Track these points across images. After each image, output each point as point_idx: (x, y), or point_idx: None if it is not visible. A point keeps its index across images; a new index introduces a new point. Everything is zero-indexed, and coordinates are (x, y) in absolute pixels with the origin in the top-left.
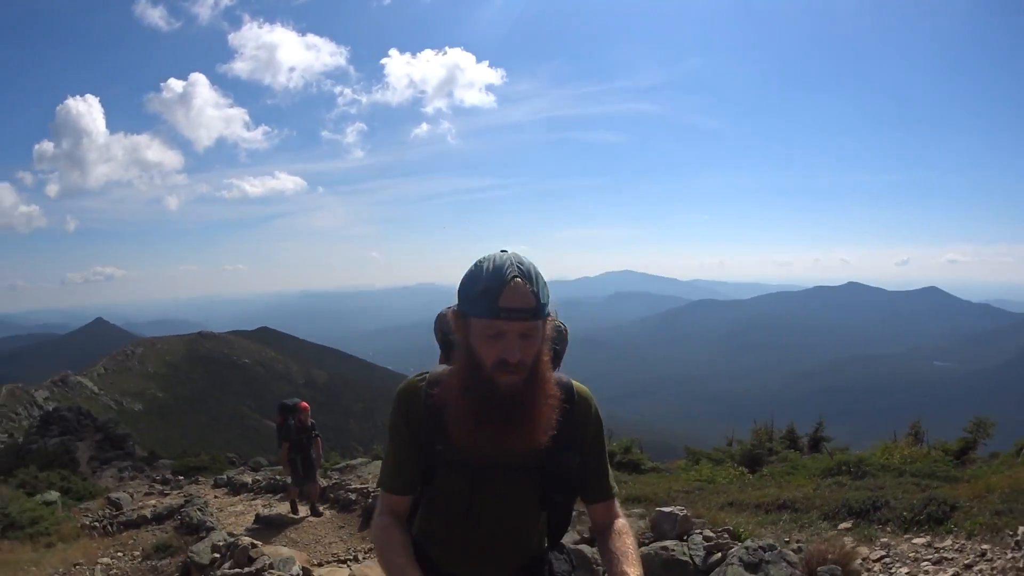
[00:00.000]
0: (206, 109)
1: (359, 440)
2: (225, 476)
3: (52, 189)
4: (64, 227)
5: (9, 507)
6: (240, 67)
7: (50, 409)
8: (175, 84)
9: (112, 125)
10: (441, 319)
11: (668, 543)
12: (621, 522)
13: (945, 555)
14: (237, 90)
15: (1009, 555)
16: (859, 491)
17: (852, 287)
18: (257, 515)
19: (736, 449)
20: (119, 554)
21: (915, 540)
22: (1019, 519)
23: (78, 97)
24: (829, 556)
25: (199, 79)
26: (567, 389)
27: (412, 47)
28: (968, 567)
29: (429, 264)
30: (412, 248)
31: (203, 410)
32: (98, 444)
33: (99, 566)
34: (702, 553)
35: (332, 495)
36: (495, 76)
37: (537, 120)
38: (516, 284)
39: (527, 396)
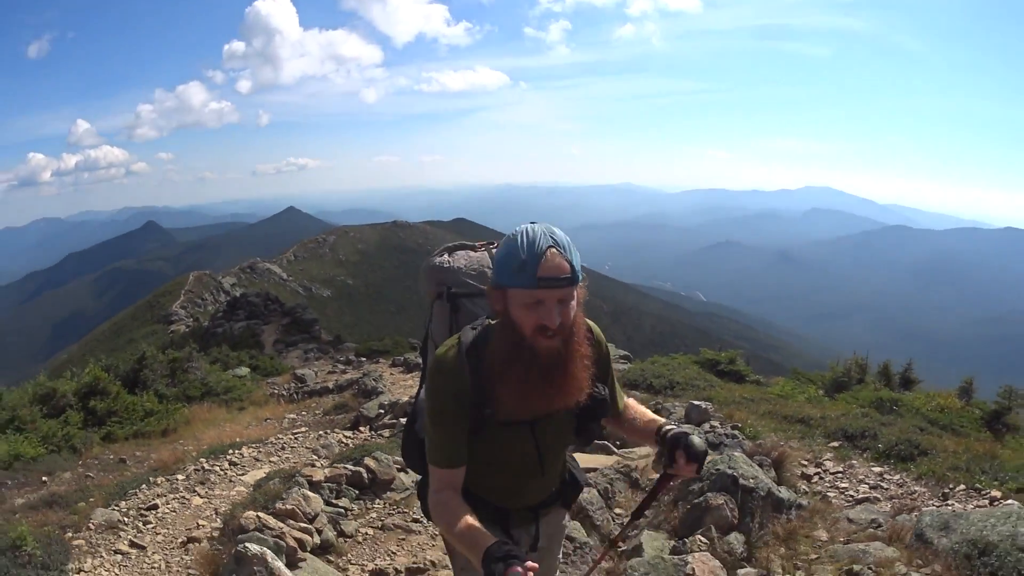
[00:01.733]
0: (404, 5)
1: None
2: (403, 357)
3: (244, 86)
4: (256, 121)
5: (208, 378)
6: None
7: (237, 295)
8: None
9: (305, 22)
10: (439, 270)
11: (683, 426)
12: (631, 402)
13: (880, 483)
14: None
15: (913, 491)
16: (865, 421)
17: None
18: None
19: (828, 375)
20: (303, 413)
21: (875, 468)
22: (973, 479)
23: None
24: (773, 453)
25: None
26: (589, 331)
27: None
28: (873, 488)
29: (628, 164)
30: (612, 147)
31: (392, 298)
32: (284, 328)
33: (285, 419)
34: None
35: None
36: None
37: (742, 28)
38: (552, 254)
39: (566, 358)
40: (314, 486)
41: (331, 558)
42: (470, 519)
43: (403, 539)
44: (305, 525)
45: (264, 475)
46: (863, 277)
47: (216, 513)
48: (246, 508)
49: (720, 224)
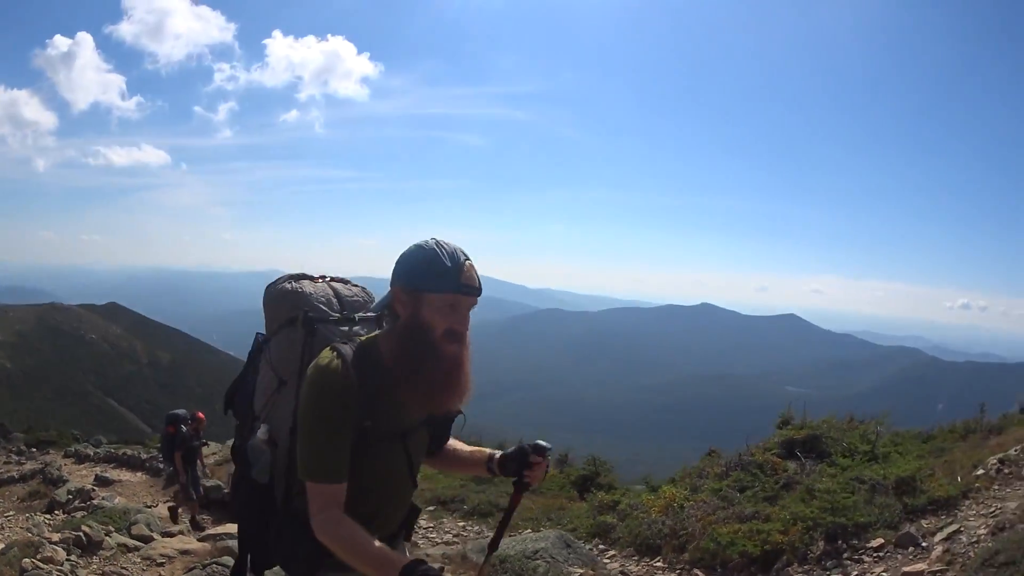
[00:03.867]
0: (87, 71)
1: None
2: (72, 448)
3: None
4: None
5: None
6: (127, 29)
7: None
8: (61, 42)
9: None
10: (294, 295)
11: None
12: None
13: (462, 533)
14: (120, 55)
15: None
16: (461, 489)
17: (706, 308)
18: (96, 475)
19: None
20: (2, 499)
21: (460, 523)
22: (538, 524)
23: None
24: None
25: (86, 39)
26: None
27: (297, 30)
28: (455, 537)
29: (281, 251)
30: (266, 234)
31: (49, 384)
32: None
33: None
34: None
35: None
36: (373, 69)
37: (404, 116)
38: (469, 266)
39: (463, 361)
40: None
41: None
42: (371, 540)
43: None
44: (59, 569)
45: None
46: (518, 357)
47: None
48: (10, 565)
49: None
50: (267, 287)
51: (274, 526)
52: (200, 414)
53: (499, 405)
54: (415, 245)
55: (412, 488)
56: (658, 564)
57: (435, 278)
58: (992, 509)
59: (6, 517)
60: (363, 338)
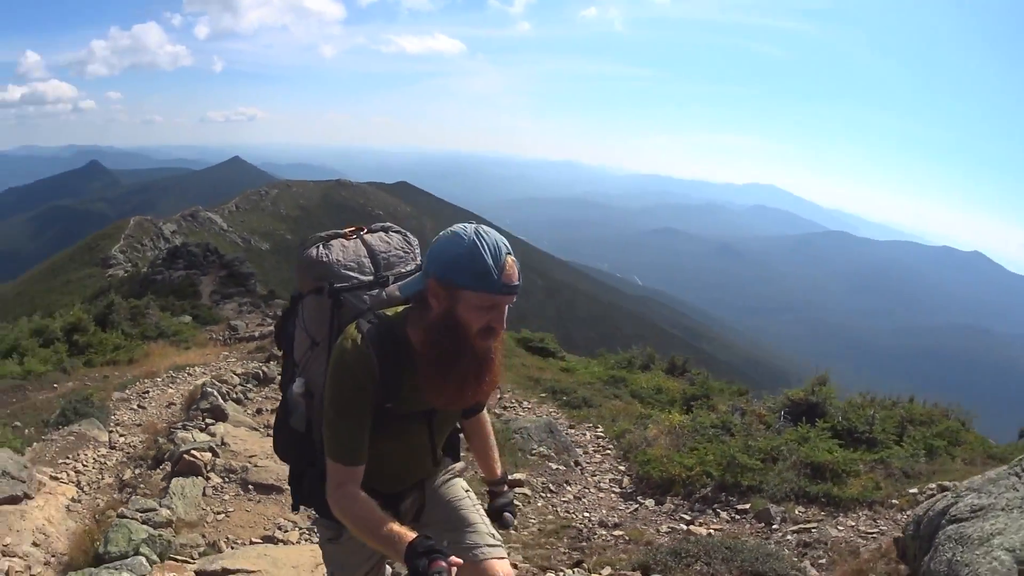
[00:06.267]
0: None
1: None
2: None
3: (201, 31)
4: (210, 67)
5: (161, 322)
6: None
7: (177, 243)
8: None
9: None
10: (317, 265)
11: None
12: (484, 414)
13: (566, 429)
14: None
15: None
16: (579, 387)
17: (977, 257)
18: None
19: (620, 357)
20: (233, 352)
21: (550, 408)
22: (603, 421)
23: None
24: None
25: None
26: None
27: None
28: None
29: (576, 143)
30: (562, 125)
31: None
32: (221, 280)
33: (220, 356)
34: None
35: None
36: None
37: (703, 20)
38: (511, 262)
39: (495, 356)
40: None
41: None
42: (384, 515)
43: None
44: (230, 388)
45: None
46: (799, 276)
47: (182, 395)
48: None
49: (662, 210)
50: (299, 248)
51: (308, 475)
52: None
53: (771, 323)
54: (452, 232)
55: (432, 462)
56: (621, 467)
57: (475, 277)
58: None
59: (227, 362)
60: (390, 313)
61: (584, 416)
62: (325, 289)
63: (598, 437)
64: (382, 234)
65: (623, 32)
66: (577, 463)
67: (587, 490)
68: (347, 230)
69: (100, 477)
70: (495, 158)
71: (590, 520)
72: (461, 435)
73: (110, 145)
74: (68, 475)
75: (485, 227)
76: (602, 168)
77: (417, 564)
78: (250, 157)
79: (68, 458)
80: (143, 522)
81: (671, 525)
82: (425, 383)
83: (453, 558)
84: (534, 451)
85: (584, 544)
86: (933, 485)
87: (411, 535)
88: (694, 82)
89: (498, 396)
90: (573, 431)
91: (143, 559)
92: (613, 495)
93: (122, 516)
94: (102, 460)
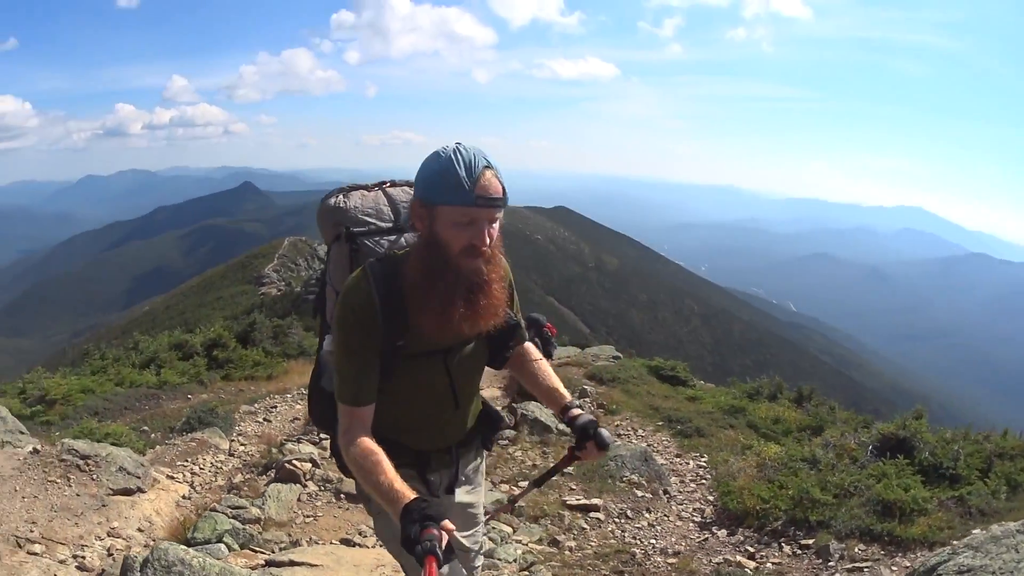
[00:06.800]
0: None
1: (639, 330)
2: None
3: (352, 56)
4: (363, 92)
5: (303, 341)
6: None
7: None
8: None
9: None
10: (334, 211)
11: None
12: (528, 345)
13: (672, 458)
14: None
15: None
16: (696, 417)
17: None
18: None
19: (747, 387)
20: None
21: (662, 436)
22: (712, 452)
23: None
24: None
25: None
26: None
27: None
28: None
29: (731, 166)
30: (716, 148)
31: None
32: None
33: None
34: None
35: None
36: None
37: (847, 38)
38: (489, 174)
39: (488, 279)
40: None
41: None
42: (388, 468)
43: None
44: None
45: None
46: (945, 301)
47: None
48: None
49: (815, 235)
50: (321, 200)
51: (333, 441)
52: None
53: (919, 349)
54: (433, 152)
55: (454, 407)
56: (710, 498)
57: (449, 190)
58: None
59: None
60: (400, 254)
61: (694, 445)
62: (342, 234)
63: (700, 467)
64: (405, 187)
65: (771, 52)
66: (666, 492)
67: (666, 518)
68: (371, 184)
69: (213, 480)
70: (651, 182)
71: (654, 547)
72: (503, 427)
73: (263, 167)
74: (184, 476)
75: (467, 144)
76: (757, 193)
77: (410, 530)
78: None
79: (187, 461)
80: (232, 517)
81: (727, 556)
82: (412, 307)
83: (446, 523)
84: (624, 478)
85: (630, 569)
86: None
87: (409, 495)
88: (839, 101)
89: (615, 423)
90: (678, 460)
91: (223, 546)
92: (691, 524)
93: (213, 510)
94: (219, 465)
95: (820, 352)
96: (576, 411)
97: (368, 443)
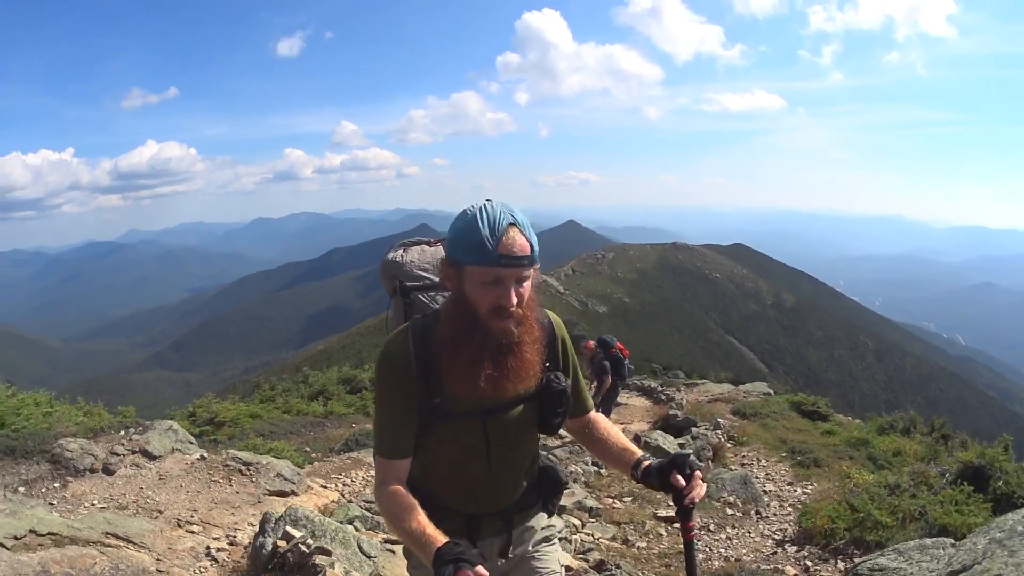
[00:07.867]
0: (679, 24)
1: (816, 368)
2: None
3: (521, 97)
4: (535, 132)
5: None
6: None
7: None
8: None
9: (579, 36)
10: (391, 265)
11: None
12: (596, 415)
13: (783, 484)
14: (705, 5)
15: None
16: (821, 450)
17: None
18: None
19: (881, 421)
20: None
21: (782, 466)
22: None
23: (535, 11)
24: (714, 444)
25: None
26: (546, 318)
27: None
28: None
29: (898, 196)
30: (881, 176)
31: (668, 319)
32: None
33: None
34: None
35: None
36: (953, 5)
37: (991, 55)
38: (513, 232)
39: (519, 340)
40: None
41: None
42: (420, 516)
43: None
44: None
45: None
46: None
47: None
48: None
49: (980, 263)
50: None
51: None
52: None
53: None
54: (463, 210)
55: (487, 469)
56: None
57: (473, 249)
58: None
59: None
60: (439, 309)
61: (808, 475)
62: (398, 288)
63: (805, 493)
64: None
65: (926, 75)
66: (758, 512)
67: (747, 534)
68: (434, 239)
69: (362, 490)
70: (823, 215)
71: (720, 555)
72: (563, 482)
73: (439, 209)
74: (336, 486)
75: (496, 200)
76: (923, 222)
77: (442, 571)
78: (584, 220)
79: (340, 475)
80: (364, 509)
81: (777, 566)
82: (443, 365)
83: (480, 568)
84: (721, 498)
85: (680, 566)
86: None
87: (441, 539)
88: (994, 123)
89: (742, 453)
90: (788, 487)
91: (352, 528)
92: (771, 541)
93: (349, 502)
94: (369, 479)
95: (987, 387)
96: (646, 460)
97: (401, 492)
